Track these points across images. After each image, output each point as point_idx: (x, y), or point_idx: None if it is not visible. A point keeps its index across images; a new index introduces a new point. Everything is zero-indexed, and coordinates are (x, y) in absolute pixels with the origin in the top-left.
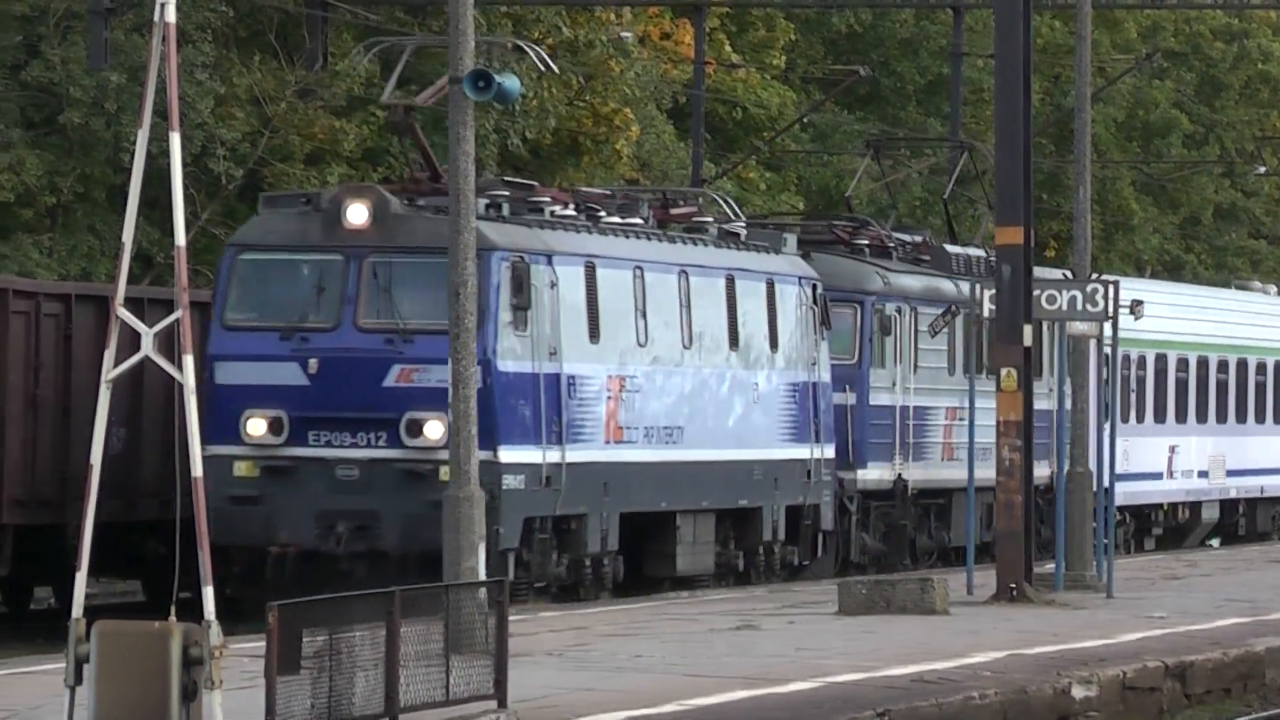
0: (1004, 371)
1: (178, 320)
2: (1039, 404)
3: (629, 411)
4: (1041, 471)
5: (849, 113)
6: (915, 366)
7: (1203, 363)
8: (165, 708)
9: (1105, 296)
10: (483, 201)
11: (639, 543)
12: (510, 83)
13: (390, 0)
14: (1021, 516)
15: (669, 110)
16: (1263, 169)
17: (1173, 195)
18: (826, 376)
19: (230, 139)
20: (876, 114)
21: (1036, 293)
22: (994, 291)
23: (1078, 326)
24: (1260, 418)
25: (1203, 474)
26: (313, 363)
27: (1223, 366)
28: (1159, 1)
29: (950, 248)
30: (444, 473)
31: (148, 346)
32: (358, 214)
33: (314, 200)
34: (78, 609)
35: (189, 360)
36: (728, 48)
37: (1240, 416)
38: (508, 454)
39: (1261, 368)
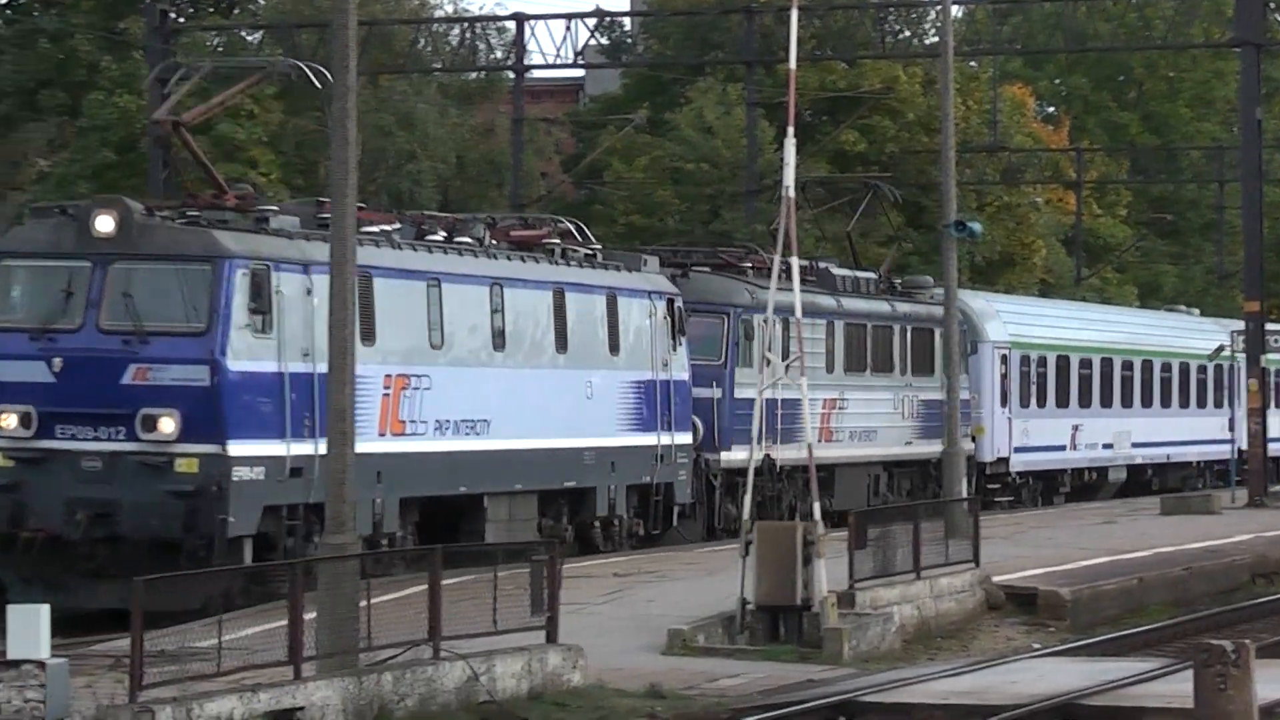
0: (1251, 382)
1: None
2: (930, 393)
3: (414, 407)
4: (934, 448)
5: (1161, 240)
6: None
7: (1126, 363)
8: (794, 567)
9: None
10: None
11: (456, 521)
12: (976, 226)
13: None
14: (1261, 459)
15: (1061, 240)
16: None
17: None
18: (682, 375)
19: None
20: (1178, 241)
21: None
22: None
23: None
24: (1166, 404)
25: (1107, 445)
26: (57, 361)
27: (1128, 365)
28: None
29: (837, 270)
30: (178, 465)
31: None
32: (105, 224)
33: (69, 211)
34: (746, 514)
35: None
36: (1094, 205)
37: (1146, 403)
38: (239, 448)
39: (1166, 367)
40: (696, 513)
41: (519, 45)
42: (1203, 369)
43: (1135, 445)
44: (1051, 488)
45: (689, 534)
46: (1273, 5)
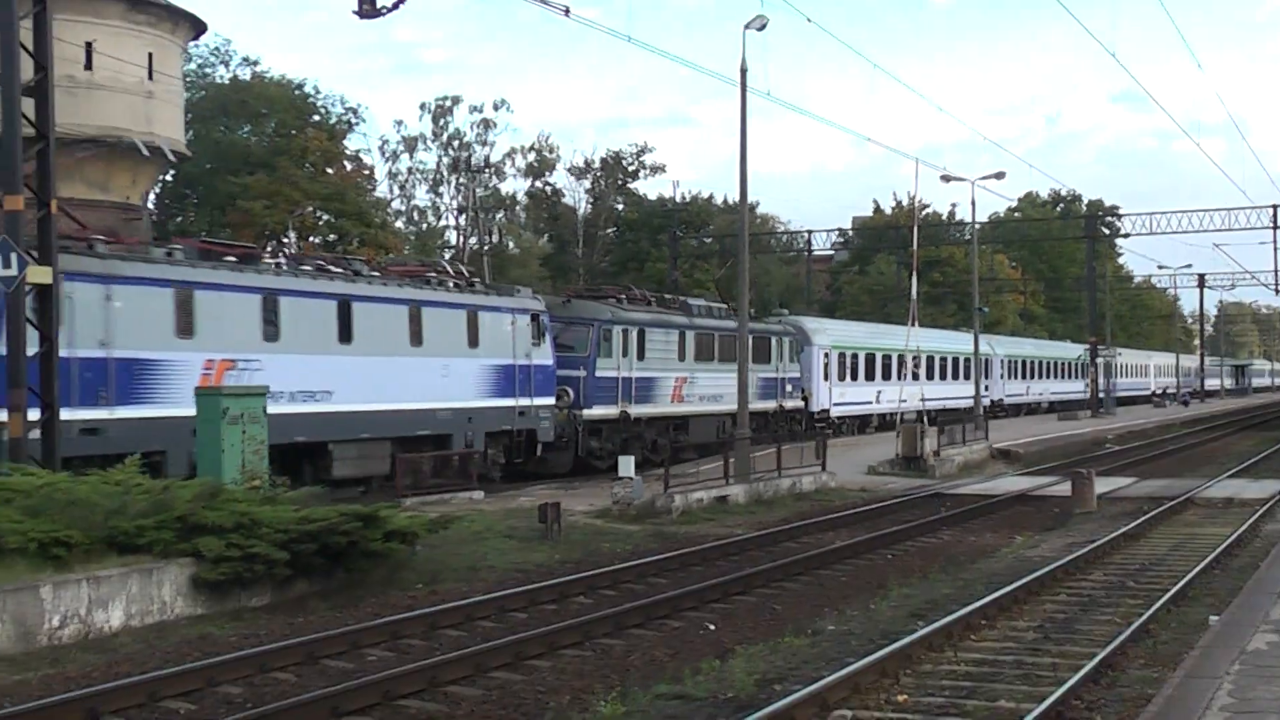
0: (1092, 369)
1: None
2: (768, 374)
3: (239, 382)
4: (768, 405)
5: (1056, 314)
6: (642, 356)
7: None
8: (916, 440)
9: (1108, 352)
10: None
11: (314, 458)
12: (985, 309)
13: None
14: (1095, 401)
15: (1019, 314)
16: None
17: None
18: (545, 362)
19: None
20: (1062, 314)
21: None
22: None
23: (1109, 360)
24: (942, 378)
25: (903, 400)
26: None
27: (915, 359)
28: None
29: (693, 301)
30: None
31: None
32: None
33: None
34: (899, 427)
35: None
36: (1029, 301)
37: (929, 377)
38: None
39: (942, 359)
40: (568, 448)
41: (808, 241)
42: (957, 360)
43: (924, 400)
44: (865, 424)
45: (560, 461)
46: (1100, 224)
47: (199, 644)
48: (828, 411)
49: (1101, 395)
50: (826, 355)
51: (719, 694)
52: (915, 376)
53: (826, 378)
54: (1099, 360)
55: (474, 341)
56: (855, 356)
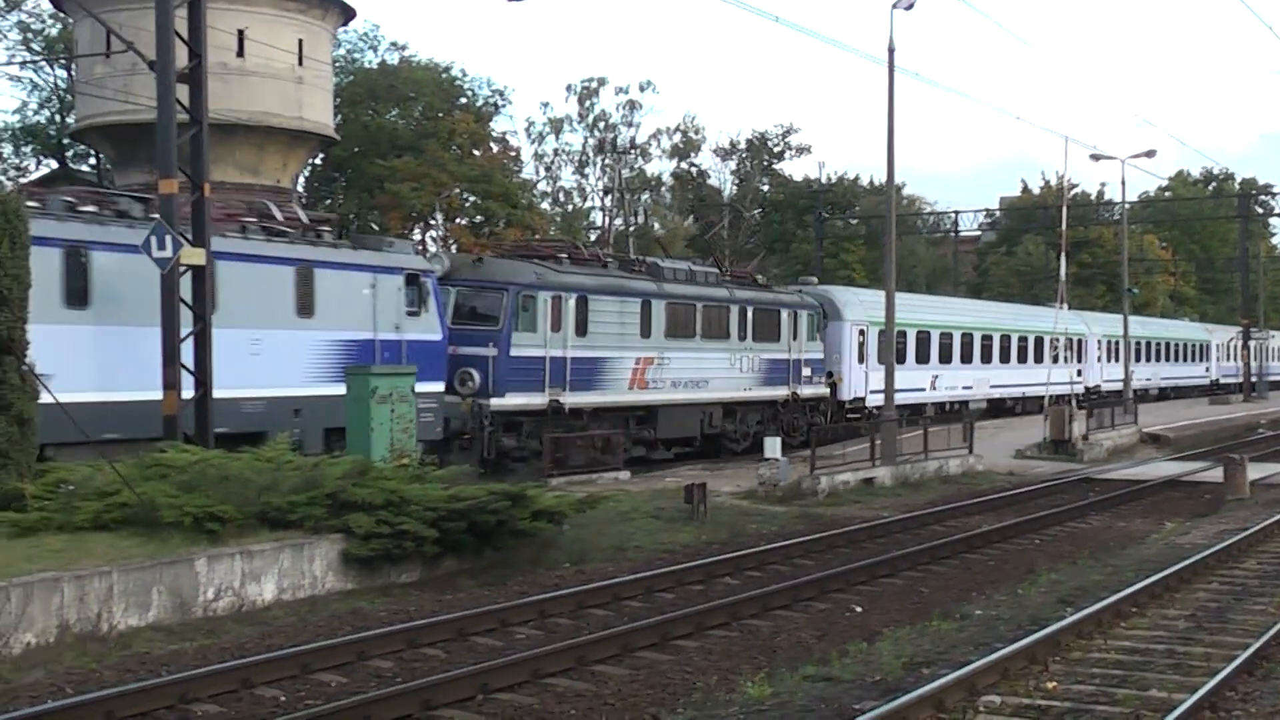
0: (1244, 351)
1: None
2: (776, 354)
3: None
4: (778, 392)
5: (1208, 295)
6: (584, 330)
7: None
8: (1064, 424)
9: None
10: None
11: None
12: (1136, 290)
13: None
14: (1248, 383)
15: (1169, 296)
16: None
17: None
18: (427, 336)
19: None
20: (1213, 295)
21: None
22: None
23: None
24: (1023, 360)
25: (967, 387)
26: None
27: (987, 338)
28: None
29: (664, 263)
30: None
31: None
32: None
33: None
34: (1046, 403)
35: None
36: (1181, 282)
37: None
38: None
39: (1023, 339)
40: (473, 445)
41: (955, 222)
42: (1055, 341)
43: (994, 386)
44: (918, 414)
45: (465, 460)
46: (1253, 202)
47: (349, 618)
48: (862, 400)
49: (1254, 380)
50: (862, 333)
51: (866, 676)
52: (1058, 358)
53: (862, 360)
54: (1251, 343)
55: (306, 308)
56: (902, 334)
